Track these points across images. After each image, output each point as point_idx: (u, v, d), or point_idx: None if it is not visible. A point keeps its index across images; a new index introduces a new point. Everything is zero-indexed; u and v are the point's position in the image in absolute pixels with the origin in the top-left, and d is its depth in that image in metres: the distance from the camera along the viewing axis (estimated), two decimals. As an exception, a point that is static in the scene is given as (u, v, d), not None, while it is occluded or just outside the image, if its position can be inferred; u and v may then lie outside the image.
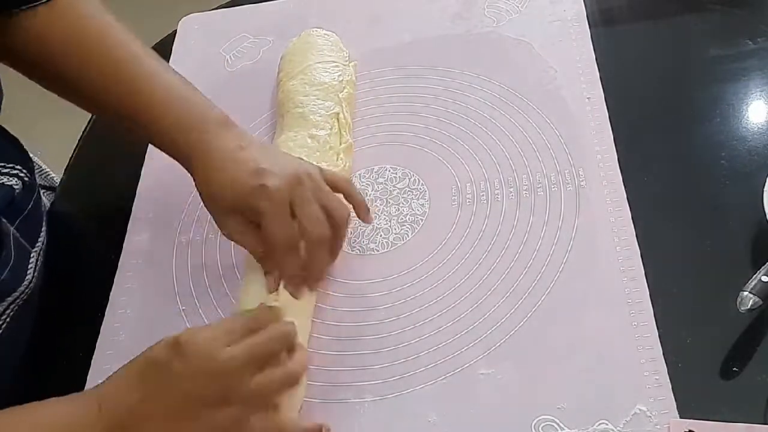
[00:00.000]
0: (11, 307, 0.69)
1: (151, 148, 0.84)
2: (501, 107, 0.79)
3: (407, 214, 0.73)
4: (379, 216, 0.74)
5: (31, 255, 0.72)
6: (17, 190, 0.70)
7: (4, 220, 0.67)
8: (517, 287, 0.66)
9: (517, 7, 0.88)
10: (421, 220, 0.73)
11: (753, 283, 0.58)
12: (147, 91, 0.67)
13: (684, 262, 0.66)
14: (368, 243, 0.72)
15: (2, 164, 0.69)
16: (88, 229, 0.81)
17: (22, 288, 0.69)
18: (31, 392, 0.69)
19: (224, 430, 0.55)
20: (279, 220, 0.63)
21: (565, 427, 0.58)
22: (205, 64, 0.91)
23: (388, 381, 0.63)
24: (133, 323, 0.71)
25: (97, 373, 0.68)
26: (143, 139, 0.74)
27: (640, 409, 0.58)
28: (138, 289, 0.73)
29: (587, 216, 0.69)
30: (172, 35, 0.97)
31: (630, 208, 0.68)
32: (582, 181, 0.72)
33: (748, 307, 0.57)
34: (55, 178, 0.90)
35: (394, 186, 0.76)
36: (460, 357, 0.63)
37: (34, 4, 0.68)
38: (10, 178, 0.70)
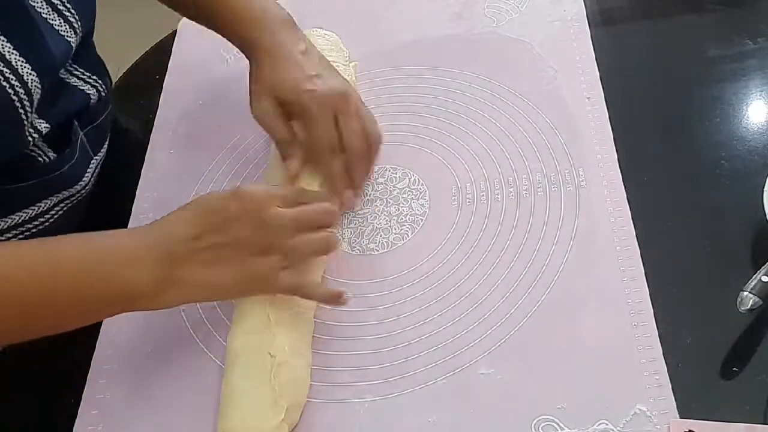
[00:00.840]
0: (65, 202, 0.73)
1: (150, 152, 0.84)
2: (501, 107, 0.79)
3: (407, 214, 0.73)
4: (379, 216, 0.74)
5: (92, 162, 0.76)
6: (93, 100, 0.75)
7: (76, 122, 0.72)
8: (517, 287, 0.66)
9: (517, 7, 0.88)
10: (421, 220, 0.73)
11: (753, 283, 0.58)
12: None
13: (684, 263, 0.66)
14: (368, 243, 0.72)
15: (85, 72, 0.74)
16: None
17: (77, 188, 0.74)
18: (31, 392, 0.69)
19: (258, 278, 0.61)
20: (324, 123, 0.69)
21: (565, 427, 0.58)
22: (205, 64, 0.91)
23: (388, 381, 0.63)
24: (133, 323, 0.71)
25: (98, 373, 0.68)
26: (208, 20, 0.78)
27: (640, 409, 0.58)
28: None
29: (587, 216, 0.69)
30: (172, 35, 0.97)
31: (630, 208, 0.69)
32: (582, 181, 0.72)
33: (748, 307, 0.57)
34: None
35: (394, 186, 0.76)
36: (460, 357, 0.63)
37: None
38: (90, 88, 0.75)
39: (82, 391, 0.67)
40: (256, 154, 0.81)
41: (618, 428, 0.57)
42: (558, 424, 0.58)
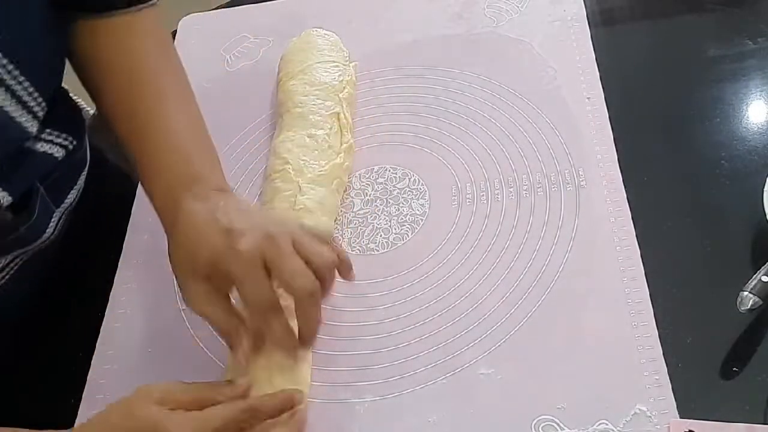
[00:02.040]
0: (22, 256, 0.70)
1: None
2: (501, 107, 0.79)
3: (407, 214, 0.73)
4: (379, 216, 0.74)
5: (54, 214, 0.71)
6: (59, 159, 0.69)
7: (37, 183, 0.67)
8: (517, 287, 0.66)
9: (517, 7, 0.88)
10: (421, 220, 0.73)
11: (753, 283, 0.58)
12: (151, 140, 0.65)
13: (684, 263, 0.66)
14: (368, 243, 0.72)
15: (53, 132, 0.68)
16: (86, 230, 0.81)
17: (38, 242, 0.70)
18: (31, 392, 0.69)
19: None
20: (252, 281, 0.57)
21: (565, 427, 0.58)
22: (205, 64, 0.91)
23: (388, 381, 0.63)
24: (133, 323, 0.71)
25: (97, 373, 0.68)
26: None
27: (640, 409, 0.58)
28: (138, 289, 0.73)
29: (587, 216, 0.69)
30: (172, 35, 0.97)
31: (630, 208, 0.68)
32: (582, 181, 0.72)
33: (748, 307, 0.57)
34: None
35: (394, 186, 0.76)
36: (460, 357, 0.63)
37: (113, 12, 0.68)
38: (59, 149, 0.69)
39: (82, 391, 0.67)
40: (256, 154, 0.81)
41: (618, 428, 0.57)
42: (558, 424, 0.58)
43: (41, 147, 0.67)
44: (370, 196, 0.75)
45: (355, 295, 0.69)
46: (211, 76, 0.89)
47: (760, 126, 0.73)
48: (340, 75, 0.80)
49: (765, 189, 0.63)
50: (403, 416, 0.61)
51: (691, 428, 0.56)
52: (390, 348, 0.65)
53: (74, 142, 0.72)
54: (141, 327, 0.70)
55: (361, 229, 0.73)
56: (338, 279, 0.69)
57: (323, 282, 0.59)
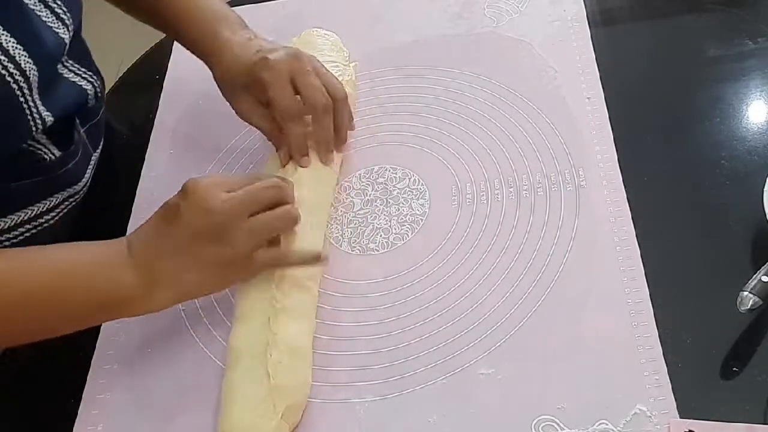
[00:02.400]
0: (66, 202, 0.74)
1: (150, 152, 0.84)
2: (501, 107, 0.79)
3: (407, 214, 0.73)
4: (379, 216, 0.74)
5: (92, 159, 0.78)
6: (90, 96, 0.76)
7: (77, 120, 0.74)
8: (517, 287, 0.66)
9: (517, 7, 0.88)
10: (421, 220, 0.73)
11: (753, 283, 0.58)
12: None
13: (684, 262, 0.66)
14: (368, 243, 0.72)
15: (80, 67, 0.75)
16: (87, 230, 0.81)
17: (79, 185, 0.75)
18: (31, 392, 0.69)
19: (228, 264, 0.63)
20: (281, 89, 0.71)
21: (565, 427, 0.58)
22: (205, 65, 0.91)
23: (388, 381, 0.63)
24: (133, 323, 0.70)
25: (97, 373, 0.68)
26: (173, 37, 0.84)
27: (640, 409, 0.58)
28: (138, 289, 0.73)
29: (587, 216, 0.69)
30: (172, 35, 0.97)
31: (630, 208, 0.68)
32: (582, 181, 0.72)
33: (748, 307, 0.57)
34: None
35: (394, 186, 0.76)
36: (460, 357, 0.63)
37: None
38: (87, 83, 0.75)
39: (82, 391, 0.67)
40: (256, 154, 0.81)
41: (618, 428, 0.57)
42: (558, 424, 0.58)
43: (72, 77, 0.73)
44: (370, 196, 0.75)
45: (355, 295, 0.69)
46: (211, 76, 0.89)
47: (760, 126, 0.73)
48: (340, 75, 0.80)
49: (765, 189, 0.63)
50: (403, 416, 0.61)
51: (691, 428, 0.56)
52: (390, 348, 0.65)
53: (98, 83, 0.78)
54: (141, 327, 0.70)
55: (361, 229, 0.73)
56: (338, 279, 0.70)
57: (337, 101, 0.73)
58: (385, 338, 0.66)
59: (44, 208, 0.72)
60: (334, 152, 0.75)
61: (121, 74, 0.97)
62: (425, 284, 0.68)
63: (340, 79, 0.80)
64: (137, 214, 0.79)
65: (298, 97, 0.72)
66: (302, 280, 0.66)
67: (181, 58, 0.93)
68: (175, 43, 0.95)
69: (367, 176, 0.77)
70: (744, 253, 0.65)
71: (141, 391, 0.66)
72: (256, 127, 0.76)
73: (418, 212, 0.73)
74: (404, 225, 0.72)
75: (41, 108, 0.66)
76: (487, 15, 0.88)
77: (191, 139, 0.85)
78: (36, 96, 0.65)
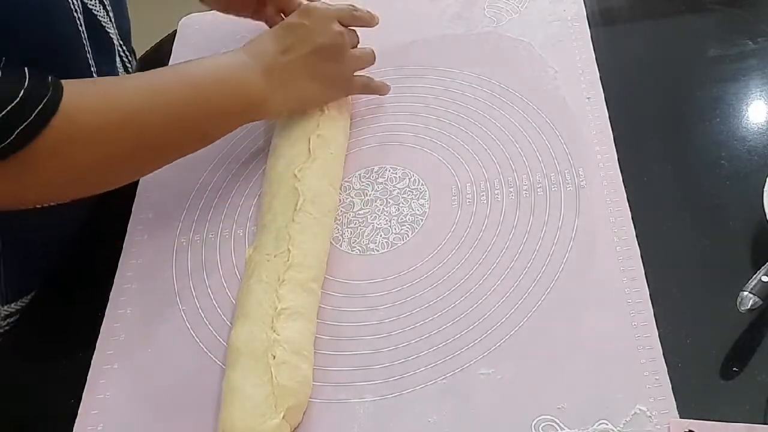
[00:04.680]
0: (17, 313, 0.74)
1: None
2: (501, 107, 0.79)
3: (407, 214, 0.73)
4: (379, 216, 0.74)
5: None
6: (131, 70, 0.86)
7: None
8: (517, 287, 0.66)
9: (517, 7, 0.88)
10: (421, 220, 0.73)
11: (753, 283, 0.58)
12: None
13: (684, 262, 0.66)
14: (368, 243, 0.72)
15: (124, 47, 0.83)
16: (87, 231, 0.81)
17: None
18: (31, 392, 0.69)
19: (339, 78, 0.77)
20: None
21: (565, 427, 0.58)
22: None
23: (388, 381, 0.63)
24: (133, 323, 0.71)
25: (97, 373, 0.68)
26: None
27: (640, 409, 0.58)
28: (138, 289, 0.73)
29: (587, 216, 0.69)
30: (172, 35, 0.97)
31: (630, 208, 0.68)
32: (582, 181, 0.72)
33: (748, 307, 0.57)
34: None
35: (394, 186, 0.76)
36: (460, 357, 0.63)
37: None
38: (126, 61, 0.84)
39: (82, 391, 0.67)
40: (256, 154, 0.81)
41: (618, 428, 0.57)
42: (558, 424, 0.58)
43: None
44: (370, 196, 0.75)
45: (355, 295, 0.69)
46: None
47: (760, 126, 0.73)
48: None
49: (765, 189, 0.63)
50: (403, 416, 0.61)
51: (691, 428, 0.56)
52: (390, 348, 0.65)
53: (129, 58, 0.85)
54: (141, 327, 0.70)
55: (361, 229, 0.73)
56: (338, 279, 0.70)
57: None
58: (385, 338, 0.65)
59: None
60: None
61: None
62: (425, 284, 0.68)
63: None
64: (137, 213, 0.79)
65: None
66: (306, 282, 0.66)
67: (181, 59, 0.93)
68: (175, 43, 0.95)
69: (367, 176, 0.77)
70: (744, 253, 0.65)
71: (141, 391, 0.66)
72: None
73: (418, 212, 0.73)
74: (404, 225, 0.72)
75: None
76: (487, 15, 0.88)
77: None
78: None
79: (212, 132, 0.71)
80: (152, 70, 0.70)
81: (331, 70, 0.75)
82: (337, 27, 0.75)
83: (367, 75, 0.80)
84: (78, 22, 0.69)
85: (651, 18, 0.86)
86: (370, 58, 0.79)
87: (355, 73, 0.79)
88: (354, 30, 0.78)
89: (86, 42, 0.71)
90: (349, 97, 0.82)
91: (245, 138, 0.82)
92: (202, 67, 0.71)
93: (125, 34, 0.84)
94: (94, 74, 0.73)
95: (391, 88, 0.82)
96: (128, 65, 0.82)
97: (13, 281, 0.75)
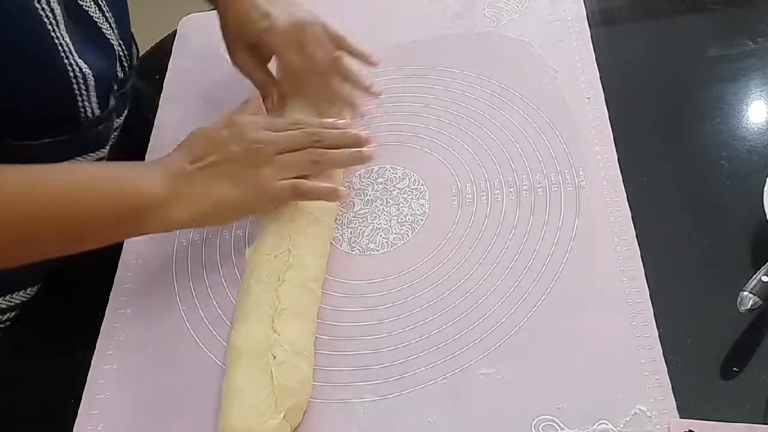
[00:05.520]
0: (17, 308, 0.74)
1: (150, 148, 0.84)
2: (501, 107, 0.79)
3: (407, 214, 0.73)
4: (379, 216, 0.74)
5: (115, 125, 0.79)
6: (126, 65, 0.80)
7: (115, 86, 0.78)
8: (517, 287, 0.66)
9: (517, 7, 0.88)
10: (421, 220, 0.73)
11: (753, 283, 0.58)
12: None
13: (684, 263, 0.66)
14: (368, 243, 0.72)
15: (118, 29, 0.78)
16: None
17: (103, 151, 0.77)
18: (31, 391, 0.69)
19: (255, 186, 0.67)
20: (287, 49, 0.75)
21: (565, 427, 0.58)
22: (205, 64, 0.91)
23: (388, 381, 0.63)
24: (133, 323, 0.71)
25: (97, 373, 0.68)
26: None
27: (640, 409, 0.58)
28: (138, 289, 0.73)
29: (587, 216, 0.69)
30: (172, 35, 0.97)
31: (630, 208, 0.68)
32: (582, 181, 0.72)
33: (748, 307, 0.57)
34: None
35: (394, 186, 0.76)
36: (460, 357, 0.63)
37: None
38: (119, 47, 0.78)
39: (82, 391, 0.67)
40: (256, 154, 0.81)
41: (618, 428, 0.57)
42: (558, 424, 0.58)
43: (112, 38, 0.76)
44: (370, 196, 0.75)
45: (355, 295, 0.69)
46: (211, 76, 0.89)
47: (760, 126, 0.73)
48: None
49: (765, 189, 0.63)
50: (403, 416, 0.61)
51: (691, 428, 0.56)
52: (390, 348, 0.65)
53: (132, 51, 0.83)
54: (141, 327, 0.70)
55: (361, 229, 0.73)
56: (338, 279, 0.70)
57: (346, 51, 0.77)
58: (385, 338, 0.66)
59: None
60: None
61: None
62: (425, 284, 0.68)
63: None
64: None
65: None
66: (306, 282, 0.66)
67: (181, 59, 0.93)
68: (175, 43, 0.95)
69: (367, 176, 0.77)
70: (744, 253, 0.65)
71: (141, 391, 0.66)
72: (249, 76, 0.79)
73: (418, 212, 0.73)
74: (404, 225, 0.72)
75: (78, 60, 0.69)
76: (487, 15, 0.88)
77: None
78: (68, 42, 0.67)
79: (95, 237, 0.65)
80: (51, 166, 0.65)
81: (246, 177, 0.67)
82: (262, 134, 0.68)
83: (370, 75, 0.80)
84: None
85: (651, 18, 0.86)
86: (305, 164, 0.69)
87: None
88: (314, 133, 0.70)
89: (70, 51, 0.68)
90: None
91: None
92: (95, 170, 0.68)
93: (126, 38, 0.82)
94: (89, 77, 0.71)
95: (391, 88, 0.82)
96: (126, 66, 0.81)
97: (14, 281, 0.75)
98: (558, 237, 0.68)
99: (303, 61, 0.75)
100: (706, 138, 0.73)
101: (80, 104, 0.71)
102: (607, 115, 0.75)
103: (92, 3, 0.72)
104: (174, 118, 0.87)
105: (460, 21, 0.89)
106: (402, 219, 0.73)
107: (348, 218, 0.74)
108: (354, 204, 0.75)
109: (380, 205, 0.74)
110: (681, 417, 0.57)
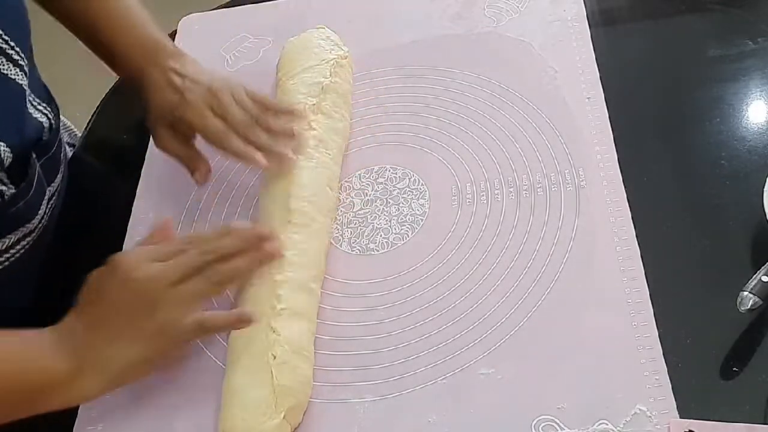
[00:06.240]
0: (22, 242, 0.72)
1: (150, 151, 0.84)
2: (501, 107, 0.79)
3: (407, 214, 0.73)
4: (379, 216, 0.74)
5: (46, 192, 0.75)
6: (45, 128, 0.75)
7: (33, 155, 0.72)
8: (517, 287, 0.66)
9: (517, 7, 0.88)
10: (421, 220, 0.73)
11: (753, 283, 0.58)
12: (112, 19, 0.78)
13: (684, 262, 0.66)
14: (368, 243, 0.72)
15: (35, 99, 0.74)
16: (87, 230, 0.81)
17: (33, 224, 0.72)
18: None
19: (158, 335, 0.60)
20: (202, 116, 0.72)
21: (565, 427, 0.58)
22: (205, 64, 0.90)
23: (388, 381, 0.63)
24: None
25: (97, 373, 0.68)
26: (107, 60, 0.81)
27: (640, 409, 0.58)
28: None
29: (587, 216, 0.69)
30: (172, 35, 0.97)
31: (630, 208, 0.68)
32: (582, 181, 0.72)
33: (748, 307, 0.57)
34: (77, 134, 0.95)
35: (394, 186, 0.76)
36: (460, 357, 0.63)
37: None
38: (42, 116, 0.75)
39: (82, 391, 0.67)
40: (256, 154, 0.81)
41: (618, 428, 0.57)
42: (558, 424, 0.58)
43: (34, 112, 0.73)
44: (370, 196, 0.75)
45: (355, 295, 0.69)
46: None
47: (760, 126, 0.73)
48: (331, 71, 0.79)
49: (765, 189, 0.63)
50: (403, 416, 0.61)
51: (691, 428, 0.56)
52: (390, 348, 0.65)
53: (53, 114, 0.77)
54: (141, 327, 0.70)
55: (361, 229, 0.73)
56: (337, 279, 0.70)
57: (264, 104, 0.74)
58: (385, 338, 0.66)
59: (2, 247, 0.69)
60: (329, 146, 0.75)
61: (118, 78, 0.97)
62: (425, 284, 0.68)
63: (331, 75, 0.79)
64: (137, 213, 0.79)
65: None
66: (305, 282, 0.66)
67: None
68: (176, 43, 0.95)
69: (367, 176, 0.77)
70: (744, 253, 0.65)
71: (141, 391, 0.66)
72: (174, 155, 0.76)
73: (418, 212, 0.73)
74: (404, 225, 0.72)
75: (1, 144, 0.64)
76: (487, 15, 0.88)
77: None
78: None
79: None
80: None
81: (148, 327, 0.60)
82: (148, 271, 0.61)
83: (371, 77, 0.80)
84: None
85: (651, 18, 0.86)
86: (204, 292, 0.62)
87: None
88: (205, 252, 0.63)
89: None
90: (348, 96, 0.81)
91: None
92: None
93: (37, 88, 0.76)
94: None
95: (391, 88, 0.82)
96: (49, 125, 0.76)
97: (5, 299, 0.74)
98: (558, 237, 0.68)
99: (223, 124, 0.72)
100: (706, 138, 0.73)
101: None
102: (607, 115, 0.75)
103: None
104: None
105: (460, 21, 0.89)
106: (402, 219, 0.73)
107: (348, 218, 0.74)
108: (354, 204, 0.75)
109: (380, 205, 0.74)
110: (681, 417, 0.57)
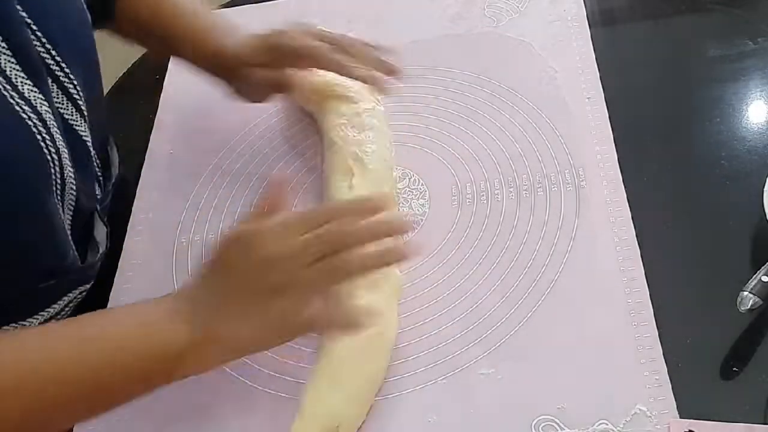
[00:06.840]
0: (77, 298, 0.72)
1: (150, 148, 0.84)
2: (501, 107, 0.79)
3: (407, 214, 0.73)
4: (379, 216, 0.74)
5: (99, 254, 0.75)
6: (99, 194, 0.74)
7: (102, 222, 0.74)
8: (517, 287, 0.66)
9: (517, 7, 0.88)
10: (421, 220, 0.73)
11: (753, 283, 0.58)
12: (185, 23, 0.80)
13: (684, 262, 0.66)
14: (368, 243, 0.72)
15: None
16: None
17: (90, 284, 0.72)
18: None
19: (276, 319, 0.56)
20: (303, 36, 0.73)
21: (565, 427, 0.58)
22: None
23: (388, 381, 0.63)
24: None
25: (97, 373, 0.68)
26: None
27: (640, 409, 0.58)
28: (138, 289, 0.73)
29: (587, 216, 0.69)
30: (172, 35, 0.96)
31: (630, 208, 0.69)
32: (582, 181, 0.72)
33: (748, 307, 0.57)
34: None
35: (394, 186, 0.76)
36: (460, 357, 0.63)
37: None
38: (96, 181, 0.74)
39: (82, 391, 0.67)
40: (255, 154, 0.81)
41: (618, 428, 0.57)
42: (558, 424, 0.58)
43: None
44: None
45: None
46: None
47: (760, 126, 0.73)
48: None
49: (765, 189, 0.63)
50: (403, 416, 0.61)
51: (691, 428, 0.56)
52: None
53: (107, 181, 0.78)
54: (141, 327, 0.70)
55: (361, 229, 0.73)
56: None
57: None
58: (385, 338, 0.65)
59: (57, 309, 0.69)
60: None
61: (121, 75, 0.97)
62: (425, 284, 0.68)
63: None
64: (137, 213, 0.79)
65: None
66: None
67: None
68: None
69: (367, 176, 0.77)
70: (744, 253, 0.65)
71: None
72: (266, 81, 0.75)
73: (418, 212, 0.73)
74: (404, 225, 0.72)
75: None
76: (487, 15, 0.88)
77: (191, 140, 0.85)
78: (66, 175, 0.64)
79: (133, 391, 0.57)
80: (73, 321, 0.59)
81: (275, 309, 0.56)
82: (284, 246, 0.56)
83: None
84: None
85: (651, 18, 0.86)
86: (334, 275, 0.57)
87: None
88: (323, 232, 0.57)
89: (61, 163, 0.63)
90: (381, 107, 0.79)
91: (246, 136, 0.82)
92: (124, 319, 0.58)
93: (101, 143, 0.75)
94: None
95: (390, 90, 0.82)
96: (99, 178, 0.74)
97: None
98: (558, 237, 0.68)
99: (317, 43, 0.73)
100: (706, 138, 0.73)
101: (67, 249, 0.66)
102: (607, 115, 0.75)
103: (75, 111, 0.66)
104: (174, 118, 0.87)
105: (460, 21, 0.89)
106: (402, 219, 0.73)
107: (348, 218, 0.74)
108: (354, 204, 0.75)
109: (380, 205, 0.74)
110: (681, 417, 0.57)
